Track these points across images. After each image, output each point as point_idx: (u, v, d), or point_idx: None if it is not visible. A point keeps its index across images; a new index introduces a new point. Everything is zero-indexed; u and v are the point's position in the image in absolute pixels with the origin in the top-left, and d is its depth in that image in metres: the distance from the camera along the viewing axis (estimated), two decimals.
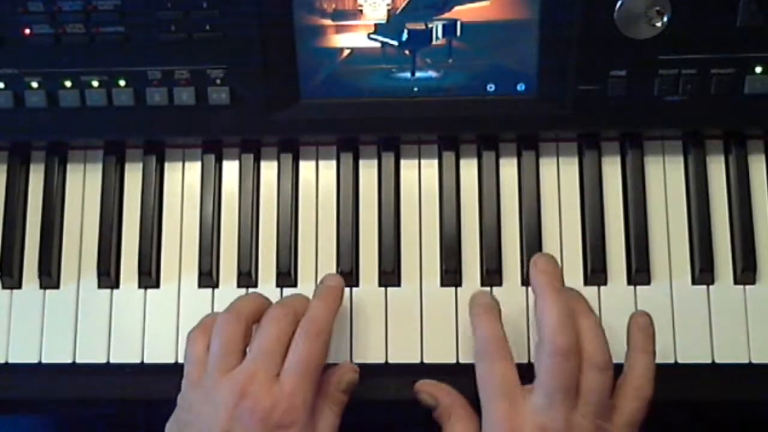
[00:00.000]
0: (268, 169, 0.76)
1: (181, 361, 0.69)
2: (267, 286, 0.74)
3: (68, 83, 0.71)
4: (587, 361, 0.63)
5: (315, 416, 0.65)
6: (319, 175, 0.76)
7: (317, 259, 0.74)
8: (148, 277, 0.74)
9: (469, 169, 0.75)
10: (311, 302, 0.67)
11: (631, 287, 0.72)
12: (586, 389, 0.62)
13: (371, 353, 0.72)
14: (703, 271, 0.72)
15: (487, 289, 0.72)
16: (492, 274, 0.72)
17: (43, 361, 0.73)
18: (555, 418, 0.61)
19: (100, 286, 0.74)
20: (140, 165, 0.76)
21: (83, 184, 0.77)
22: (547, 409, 0.61)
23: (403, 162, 0.76)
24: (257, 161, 0.76)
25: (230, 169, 0.76)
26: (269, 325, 0.65)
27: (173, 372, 0.67)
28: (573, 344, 0.62)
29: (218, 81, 0.71)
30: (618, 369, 0.65)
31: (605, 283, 0.72)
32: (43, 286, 0.75)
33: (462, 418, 0.66)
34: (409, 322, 0.72)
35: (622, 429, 0.63)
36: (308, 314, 0.66)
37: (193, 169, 0.76)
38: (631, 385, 0.64)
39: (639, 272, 0.72)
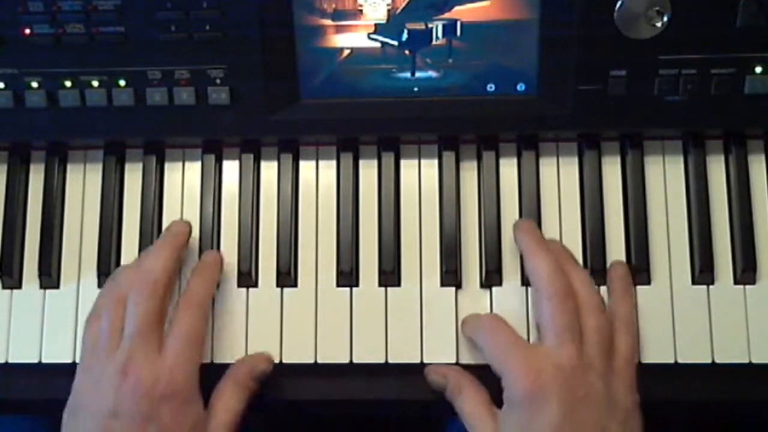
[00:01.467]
0: (268, 169, 0.76)
1: None
2: (267, 286, 0.74)
3: (68, 83, 0.71)
4: (583, 306, 0.67)
5: (216, 396, 0.67)
6: (319, 175, 0.76)
7: (317, 259, 0.74)
8: None
9: (469, 169, 0.75)
10: (190, 279, 0.71)
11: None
12: (588, 331, 0.66)
13: (371, 353, 0.72)
14: (703, 271, 0.72)
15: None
16: (492, 274, 0.72)
17: (43, 361, 0.73)
18: (569, 356, 0.64)
19: (100, 286, 0.74)
20: (140, 165, 0.76)
21: (83, 184, 0.77)
22: (559, 348, 0.64)
23: (403, 162, 0.76)
24: (257, 161, 0.76)
25: (230, 169, 0.76)
26: (136, 304, 0.67)
27: None
28: (568, 287, 0.67)
29: (218, 81, 0.71)
30: None
31: (605, 283, 0.72)
32: (43, 286, 0.75)
33: (472, 392, 0.68)
34: (409, 322, 0.72)
35: (622, 364, 0.66)
36: (187, 289, 0.70)
37: (193, 169, 0.76)
38: (621, 323, 0.68)
39: (639, 272, 0.72)
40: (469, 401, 0.67)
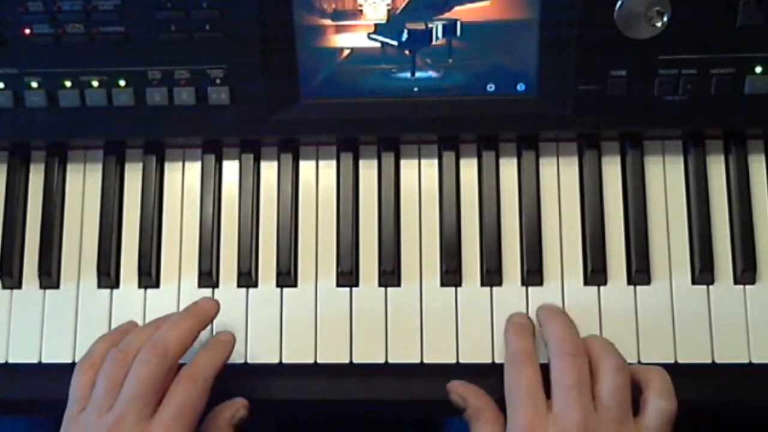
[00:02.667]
0: (268, 169, 0.76)
1: (182, 360, 0.69)
2: (267, 286, 0.74)
3: (68, 83, 0.71)
4: (602, 364, 0.65)
5: None
6: (319, 175, 0.76)
7: (317, 259, 0.74)
8: (148, 277, 0.74)
9: (469, 169, 0.75)
10: (199, 353, 0.68)
11: (631, 287, 0.72)
12: (606, 392, 0.63)
13: (371, 353, 0.72)
14: (703, 271, 0.72)
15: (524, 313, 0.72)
16: (492, 274, 0.72)
17: (43, 361, 0.73)
18: (575, 419, 0.62)
19: (100, 286, 0.74)
20: (140, 165, 0.76)
21: (83, 184, 0.77)
22: (566, 410, 0.62)
23: (403, 162, 0.76)
24: (257, 161, 0.76)
25: (230, 169, 0.76)
26: (141, 366, 0.64)
27: None
28: (579, 346, 0.66)
29: (218, 81, 0.71)
30: None
31: (605, 283, 0.72)
32: (43, 286, 0.75)
33: (489, 420, 0.67)
34: (409, 322, 0.72)
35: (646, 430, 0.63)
36: (193, 362, 0.66)
37: (193, 169, 0.76)
38: (653, 403, 0.64)
39: (639, 272, 0.72)
40: (484, 430, 0.66)
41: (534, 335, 0.69)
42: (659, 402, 0.64)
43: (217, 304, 0.70)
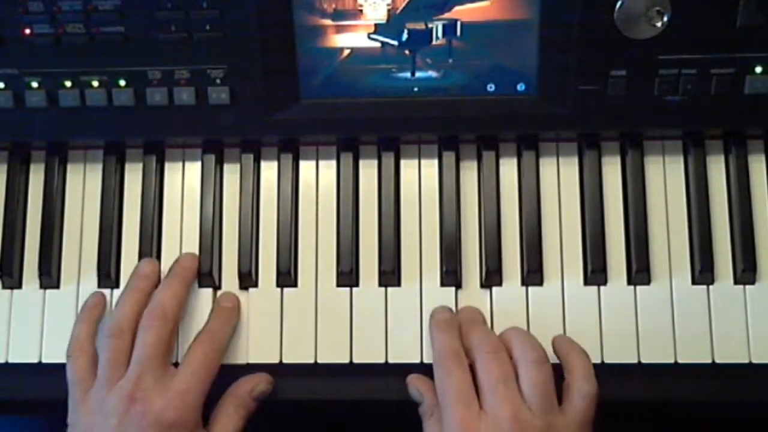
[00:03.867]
0: (268, 169, 0.76)
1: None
2: (267, 286, 0.74)
3: (68, 83, 0.71)
4: (520, 359, 0.66)
5: (217, 415, 0.67)
6: (319, 175, 0.76)
7: (317, 259, 0.74)
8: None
9: (469, 169, 0.75)
10: (210, 319, 0.70)
11: (631, 287, 0.72)
12: (527, 386, 0.64)
13: (371, 353, 0.72)
14: (703, 271, 0.72)
15: (446, 307, 0.72)
16: (492, 274, 0.72)
17: (43, 361, 0.73)
18: (504, 412, 0.62)
19: (100, 286, 0.74)
20: (140, 165, 0.76)
21: (83, 184, 0.77)
22: (496, 406, 0.63)
23: (403, 162, 0.76)
24: (257, 161, 0.76)
25: (230, 169, 0.76)
26: (145, 332, 0.67)
27: None
28: (498, 343, 0.67)
29: (218, 81, 0.71)
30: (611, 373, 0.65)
31: (605, 283, 0.72)
32: (43, 286, 0.75)
33: (440, 419, 0.66)
34: (409, 322, 0.72)
35: (572, 426, 0.64)
36: (206, 326, 0.70)
37: (193, 169, 0.76)
38: (575, 385, 0.66)
39: (639, 272, 0.72)
40: (434, 427, 0.67)
41: (459, 330, 0.69)
42: (581, 386, 0.66)
43: (195, 256, 0.73)
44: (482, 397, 0.64)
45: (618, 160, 0.75)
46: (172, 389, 0.65)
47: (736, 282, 0.72)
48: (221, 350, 0.70)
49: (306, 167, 0.76)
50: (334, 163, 0.76)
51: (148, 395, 0.64)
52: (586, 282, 0.73)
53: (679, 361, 0.71)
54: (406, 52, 0.71)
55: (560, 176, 0.75)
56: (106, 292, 0.74)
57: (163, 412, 0.64)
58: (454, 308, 0.72)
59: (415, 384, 0.69)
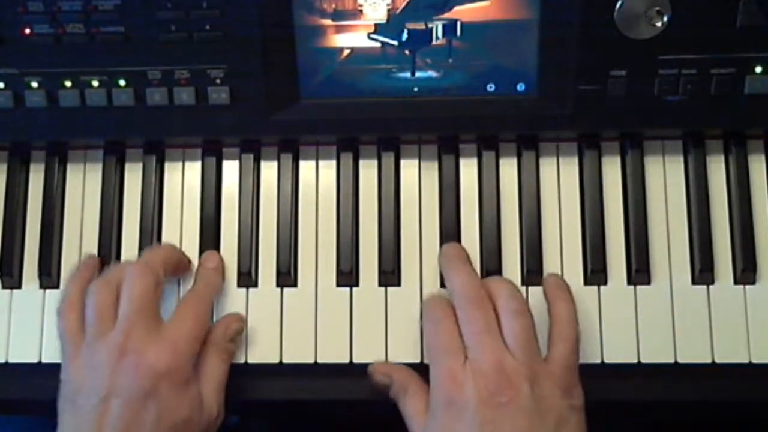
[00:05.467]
0: (268, 169, 0.76)
1: None
2: (267, 286, 0.74)
3: (68, 83, 0.71)
4: (501, 310, 0.66)
5: (199, 364, 0.67)
6: (319, 175, 0.76)
7: (317, 259, 0.74)
8: None
9: (469, 169, 0.75)
10: (195, 279, 0.72)
11: (631, 287, 0.72)
12: (508, 335, 0.65)
13: (371, 353, 0.72)
14: (703, 271, 0.72)
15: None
16: (492, 274, 0.72)
17: (43, 361, 0.73)
18: (488, 360, 0.63)
19: None
20: (140, 165, 0.76)
21: (83, 184, 0.77)
22: (480, 354, 0.64)
23: (403, 162, 0.76)
24: (257, 161, 0.76)
25: (230, 169, 0.76)
26: (130, 287, 0.66)
27: None
28: (481, 293, 0.66)
29: (218, 81, 0.71)
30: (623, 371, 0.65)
31: (605, 283, 0.72)
32: (43, 286, 0.75)
33: (416, 392, 0.67)
34: (409, 322, 0.72)
35: (557, 372, 0.65)
36: (193, 285, 0.71)
37: (193, 169, 0.76)
38: (556, 330, 0.67)
39: (639, 272, 0.72)
40: (412, 403, 0.67)
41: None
42: (561, 330, 0.67)
43: (189, 261, 0.74)
44: (467, 346, 0.65)
45: (618, 160, 0.75)
46: (164, 339, 0.65)
47: (736, 282, 0.72)
48: (209, 306, 0.71)
49: (306, 167, 0.76)
50: (334, 163, 0.76)
51: (139, 346, 0.64)
52: (586, 282, 0.73)
53: (679, 361, 0.71)
54: (406, 52, 0.71)
55: (560, 176, 0.75)
56: None
57: (156, 360, 0.63)
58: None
59: (379, 370, 0.70)
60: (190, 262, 0.74)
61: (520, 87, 0.72)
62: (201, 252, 0.74)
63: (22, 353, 0.73)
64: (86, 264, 0.73)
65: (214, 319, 0.72)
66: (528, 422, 0.62)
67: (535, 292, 0.72)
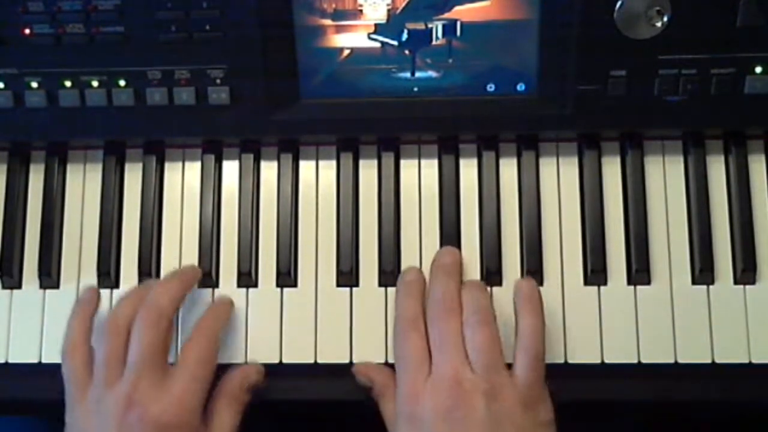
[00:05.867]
0: (268, 169, 0.76)
1: None
2: (267, 286, 0.74)
3: (68, 83, 0.71)
4: (465, 321, 0.66)
5: (211, 413, 0.67)
6: (319, 175, 0.76)
7: (317, 259, 0.74)
8: (149, 277, 0.74)
9: (469, 169, 0.75)
10: (203, 315, 0.70)
11: (631, 287, 0.72)
12: (471, 348, 0.65)
13: (371, 353, 0.72)
14: (703, 271, 0.72)
15: (416, 268, 0.72)
16: (492, 274, 0.72)
17: (43, 361, 0.73)
18: (448, 375, 0.63)
19: (100, 286, 0.74)
20: (140, 165, 0.76)
21: (83, 184, 0.77)
22: (441, 366, 0.64)
23: (403, 162, 0.76)
24: (257, 161, 0.76)
25: (230, 169, 0.76)
26: (141, 332, 0.66)
27: None
28: (454, 306, 0.67)
29: (218, 81, 0.71)
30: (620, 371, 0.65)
31: (605, 283, 0.72)
32: (43, 286, 0.75)
33: (394, 396, 0.67)
34: None
35: (520, 387, 0.64)
36: (199, 323, 0.69)
37: (193, 169, 0.76)
38: (520, 345, 0.66)
39: (639, 272, 0.72)
40: (389, 407, 0.67)
41: (424, 293, 0.70)
42: (524, 344, 0.66)
43: (197, 268, 0.73)
44: (432, 355, 0.65)
45: (618, 160, 0.75)
46: (169, 392, 0.64)
47: (736, 282, 0.72)
48: (215, 348, 0.69)
49: (306, 167, 0.76)
50: (334, 163, 0.76)
51: (145, 398, 0.63)
52: (586, 282, 0.73)
53: (679, 361, 0.71)
54: (406, 52, 0.71)
55: (560, 176, 0.75)
56: (106, 292, 0.74)
57: (161, 415, 0.63)
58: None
59: (361, 370, 0.70)
60: (198, 272, 0.73)
61: (520, 87, 0.72)
62: (201, 252, 0.74)
63: (22, 353, 0.73)
64: (86, 299, 0.72)
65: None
66: None
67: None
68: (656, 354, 0.71)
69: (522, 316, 0.68)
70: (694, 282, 0.72)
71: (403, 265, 0.73)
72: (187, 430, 0.64)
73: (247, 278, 0.74)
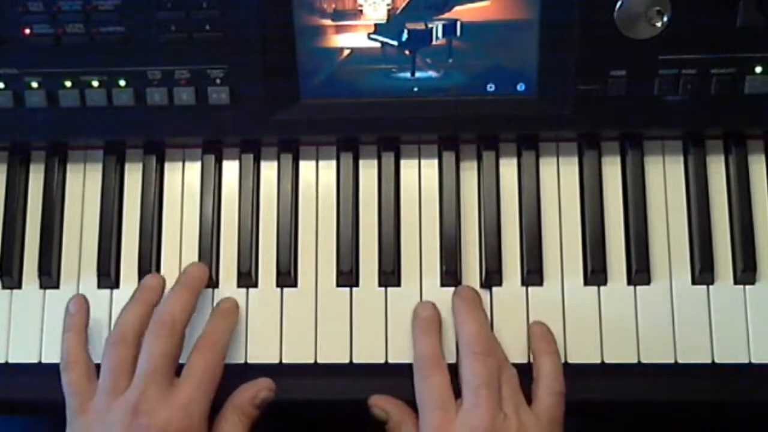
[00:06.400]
0: (268, 169, 0.76)
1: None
2: (267, 286, 0.74)
3: (68, 83, 0.71)
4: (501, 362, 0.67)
5: (218, 425, 0.67)
6: (319, 175, 0.76)
7: (317, 259, 0.74)
8: None
9: (469, 169, 0.75)
10: (208, 322, 0.70)
11: (631, 287, 0.72)
12: (503, 387, 0.66)
13: (371, 353, 0.72)
14: (703, 271, 0.72)
15: (430, 302, 0.72)
16: (492, 274, 0.72)
17: (43, 361, 0.73)
18: (482, 417, 0.63)
19: (100, 286, 0.74)
20: (140, 165, 0.76)
21: (83, 184, 0.77)
22: (474, 409, 0.64)
23: (403, 162, 0.76)
24: (257, 161, 0.76)
25: (230, 169, 0.76)
26: (153, 342, 0.66)
27: None
28: (490, 345, 0.67)
29: (218, 81, 0.71)
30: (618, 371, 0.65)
31: (605, 283, 0.72)
32: (43, 286, 0.75)
33: (410, 431, 0.67)
34: (409, 322, 0.72)
35: (544, 423, 0.65)
36: (205, 331, 0.69)
37: (193, 169, 0.76)
38: (543, 384, 0.68)
39: (639, 272, 0.72)
40: None
41: (440, 329, 0.70)
42: (549, 384, 0.67)
43: (204, 267, 0.73)
44: (464, 394, 0.65)
45: (618, 160, 0.75)
46: (175, 401, 0.64)
47: (736, 282, 0.72)
48: (222, 356, 0.69)
49: (306, 167, 0.76)
50: (334, 163, 0.76)
51: (152, 407, 0.63)
52: (586, 282, 0.73)
53: (679, 361, 0.71)
54: (406, 52, 0.71)
55: (560, 176, 0.75)
56: (106, 292, 0.74)
57: (167, 424, 0.63)
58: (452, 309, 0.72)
59: (378, 404, 0.70)
60: (206, 274, 0.73)
61: (520, 87, 0.72)
62: (201, 252, 0.74)
63: (22, 353, 0.73)
64: (76, 309, 0.72)
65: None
66: None
67: (535, 293, 0.72)
68: (656, 354, 0.71)
69: (540, 358, 0.69)
70: (694, 282, 0.72)
71: (404, 265, 0.73)
72: None
73: (247, 278, 0.74)
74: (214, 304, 0.73)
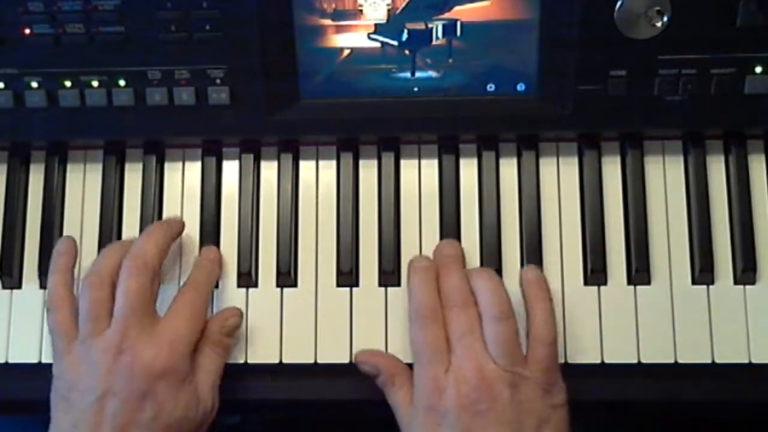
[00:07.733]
0: (268, 169, 0.76)
1: None
2: (267, 286, 0.74)
3: (68, 83, 0.71)
4: (484, 314, 0.66)
5: (197, 358, 0.67)
6: (319, 175, 0.76)
7: (317, 259, 0.74)
8: None
9: (469, 169, 0.75)
10: (192, 271, 0.71)
11: (631, 287, 0.72)
12: (490, 341, 0.65)
13: None
14: (703, 271, 0.72)
15: (426, 255, 0.72)
16: None
17: (43, 361, 0.73)
18: (470, 367, 0.63)
19: None
20: (140, 165, 0.76)
21: (83, 184, 0.77)
22: (462, 359, 0.64)
23: (403, 162, 0.76)
24: (257, 161, 0.76)
25: (230, 169, 0.76)
26: (127, 280, 0.66)
27: None
28: (467, 297, 0.67)
29: (218, 81, 0.71)
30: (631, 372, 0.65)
31: (605, 283, 0.72)
32: (43, 286, 0.75)
33: (403, 383, 0.67)
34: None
35: (537, 374, 0.65)
36: (189, 278, 0.70)
37: (193, 169, 0.76)
38: (534, 334, 0.67)
39: (639, 272, 0.72)
40: (398, 394, 0.67)
41: (437, 280, 0.69)
42: (540, 333, 0.66)
43: (183, 222, 0.73)
44: (451, 348, 0.65)
45: (618, 160, 0.75)
46: (160, 337, 0.65)
47: (736, 282, 0.72)
48: (206, 300, 0.70)
49: (306, 167, 0.76)
50: (334, 163, 0.76)
51: (135, 345, 0.64)
52: (586, 282, 0.73)
53: (679, 361, 0.71)
54: (406, 52, 0.71)
55: (560, 176, 0.75)
56: None
57: (152, 361, 0.63)
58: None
59: (365, 359, 0.70)
60: (181, 224, 0.73)
61: (520, 87, 0.72)
62: (201, 252, 0.74)
63: (22, 353, 0.73)
64: (64, 250, 0.72)
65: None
66: (508, 428, 0.62)
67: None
68: (656, 354, 0.71)
69: (532, 304, 0.68)
70: (694, 282, 0.72)
71: (404, 265, 0.73)
72: (177, 376, 0.64)
73: (247, 278, 0.74)
74: (214, 305, 0.73)
